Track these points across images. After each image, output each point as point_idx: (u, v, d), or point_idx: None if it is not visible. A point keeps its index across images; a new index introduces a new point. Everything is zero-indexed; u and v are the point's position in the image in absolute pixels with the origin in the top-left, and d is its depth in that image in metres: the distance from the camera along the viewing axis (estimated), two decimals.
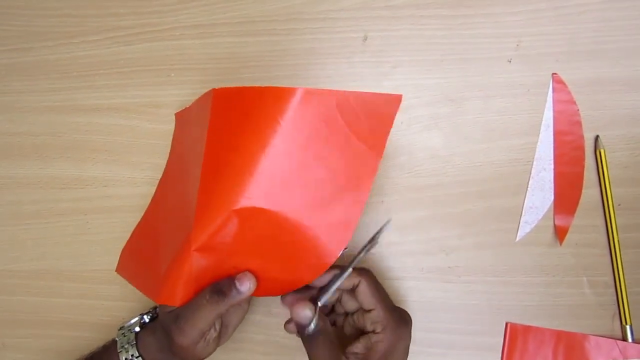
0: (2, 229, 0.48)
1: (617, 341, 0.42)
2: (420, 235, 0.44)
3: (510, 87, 0.45)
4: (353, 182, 0.37)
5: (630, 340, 0.42)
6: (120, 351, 0.39)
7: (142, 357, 0.38)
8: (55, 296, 0.47)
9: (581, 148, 0.44)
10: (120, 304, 0.46)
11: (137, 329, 0.40)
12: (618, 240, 0.43)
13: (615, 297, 0.43)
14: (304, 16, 0.47)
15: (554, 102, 0.45)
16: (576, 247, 0.44)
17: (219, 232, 0.36)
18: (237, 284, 0.36)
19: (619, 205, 0.43)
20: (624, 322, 0.42)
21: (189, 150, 0.42)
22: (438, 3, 0.46)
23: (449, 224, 0.45)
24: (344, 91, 0.36)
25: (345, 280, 0.37)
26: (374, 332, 0.37)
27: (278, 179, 0.35)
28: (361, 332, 0.38)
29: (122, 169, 0.47)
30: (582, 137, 0.44)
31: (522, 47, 0.45)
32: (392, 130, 0.45)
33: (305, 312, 0.36)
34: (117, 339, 0.40)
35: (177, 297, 0.36)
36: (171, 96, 0.47)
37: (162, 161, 0.46)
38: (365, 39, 0.46)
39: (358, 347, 0.37)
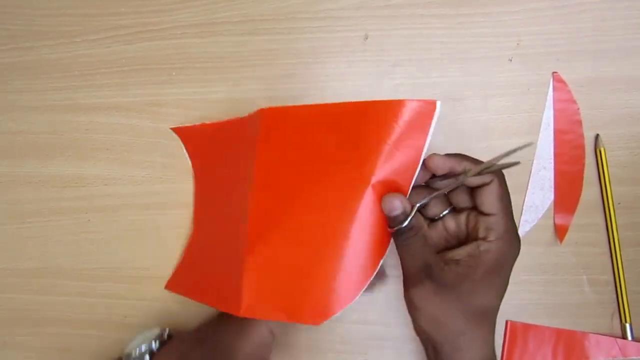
0: (3, 228, 0.48)
1: (617, 339, 0.42)
2: None
3: (510, 86, 0.45)
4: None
5: (630, 338, 0.42)
6: None
7: None
8: (55, 294, 0.47)
9: (581, 147, 0.44)
10: (121, 302, 0.46)
11: (147, 358, 0.36)
12: (618, 239, 0.43)
13: (615, 296, 0.43)
14: (304, 15, 0.47)
15: (554, 101, 0.45)
16: (576, 245, 0.44)
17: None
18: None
19: (619, 204, 0.43)
20: (623, 321, 0.42)
21: (231, 167, 0.42)
22: (438, 2, 0.46)
23: None
24: (358, 102, 0.35)
25: (473, 177, 0.32)
26: (484, 239, 0.32)
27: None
28: (457, 240, 0.34)
29: (123, 168, 0.47)
30: (582, 136, 0.44)
31: (522, 46, 0.45)
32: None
33: (394, 203, 0.31)
34: None
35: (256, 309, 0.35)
36: (172, 95, 0.47)
37: (163, 159, 0.47)
38: (366, 38, 0.46)
39: (461, 253, 0.33)
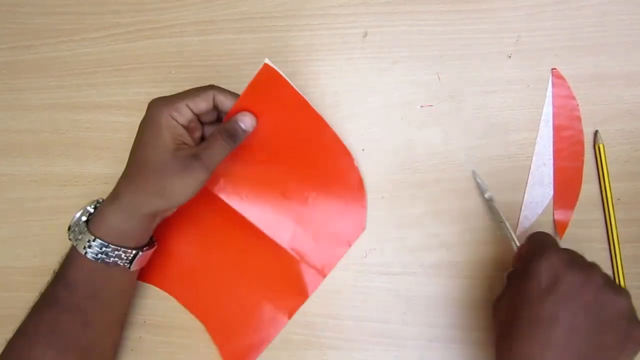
0: (4, 226, 0.48)
1: None
2: (421, 231, 0.45)
3: (509, 82, 0.45)
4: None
5: None
6: (76, 244, 0.38)
7: (100, 239, 0.37)
8: None
9: (580, 143, 0.44)
10: None
11: (84, 218, 0.39)
12: (617, 235, 0.43)
13: None
14: (303, 12, 0.47)
15: (554, 97, 0.45)
16: (576, 241, 0.44)
17: None
18: (240, 123, 0.39)
19: (618, 199, 0.43)
20: None
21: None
22: None
23: (449, 219, 0.45)
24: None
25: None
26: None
27: None
28: None
29: (124, 166, 0.47)
30: (581, 132, 0.44)
31: (521, 43, 0.45)
32: (392, 126, 0.46)
33: None
34: (69, 238, 0.39)
35: None
36: (172, 93, 0.47)
37: None
38: (365, 34, 0.46)
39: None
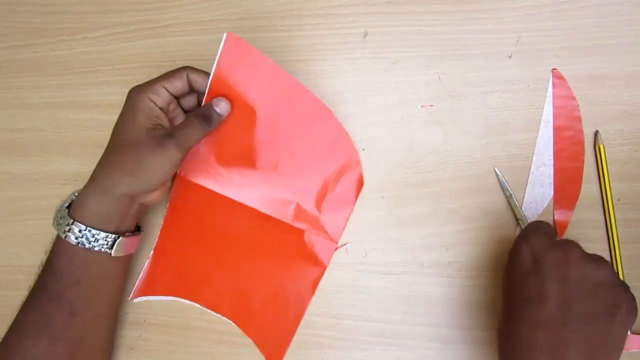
0: (4, 225, 0.48)
1: None
2: (420, 231, 0.45)
3: (510, 82, 0.45)
4: None
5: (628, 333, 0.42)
6: (57, 228, 0.39)
7: (78, 222, 0.38)
8: None
9: (581, 143, 0.44)
10: (124, 299, 0.46)
11: (67, 203, 0.40)
12: (617, 235, 0.43)
13: None
14: (304, 12, 0.47)
15: (554, 97, 0.45)
16: (576, 241, 0.44)
17: None
18: (216, 108, 0.40)
19: (618, 200, 0.43)
20: None
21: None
22: None
23: (449, 219, 0.45)
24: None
25: None
26: None
27: None
28: None
29: None
30: (581, 132, 0.44)
31: (522, 43, 0.45)
32: (392, 126, 0.46)
33: None
34: (52, 224, 0.39)
35: None
36: None
37: None
38: (365, 34, 0.46)
39: None
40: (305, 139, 0.43)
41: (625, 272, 0.43)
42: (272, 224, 0.44)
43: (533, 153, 0.45)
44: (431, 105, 0.46)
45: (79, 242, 0.38)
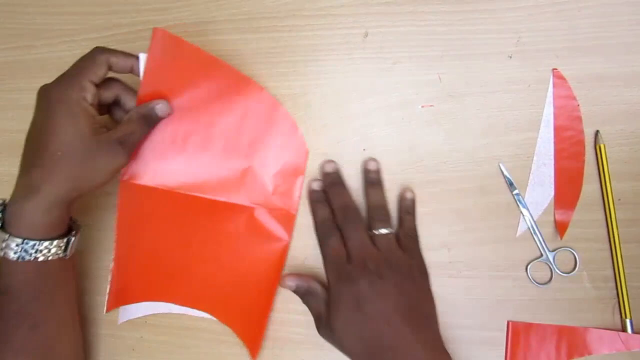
0: None
1: (620, 333, 0.42)
2: (422, 231, 0.45)
3: (510, 82, 0.45)
4: None
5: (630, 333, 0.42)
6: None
7: (18, 237, 0.36)
8: None
9: (581, 143, 0.44)
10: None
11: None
12: (618, 235, 0.43)
13: (615, 291, 0.43)
14: (304, 13, 0.47)
15: (554, 97, 0.45)
16: (576, 241, 0.44)
17: None
18: (157, 109, 0.41)
19: (619, 200, 0.43)
20: (623, 316, 0.43)
21: None
22: None
23: (450, 219, 0.45)
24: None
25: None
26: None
27: None
28: None
29: None
30: (582, 132, 0.44)
31: (522, 43, 0.45)
32: (393, 126, 0.46)
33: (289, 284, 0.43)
34: None
35: None
36: None
37: None
38: (366, 35, 0.47)
39: None
40: (245, 119, 0.44)
41: (626, 272, 0.43)
42: (223, 207, 0.44)
43: (533, 153, 0.45)
44: (432, 106, 0.46)
45: (33, 258, 0.36)
